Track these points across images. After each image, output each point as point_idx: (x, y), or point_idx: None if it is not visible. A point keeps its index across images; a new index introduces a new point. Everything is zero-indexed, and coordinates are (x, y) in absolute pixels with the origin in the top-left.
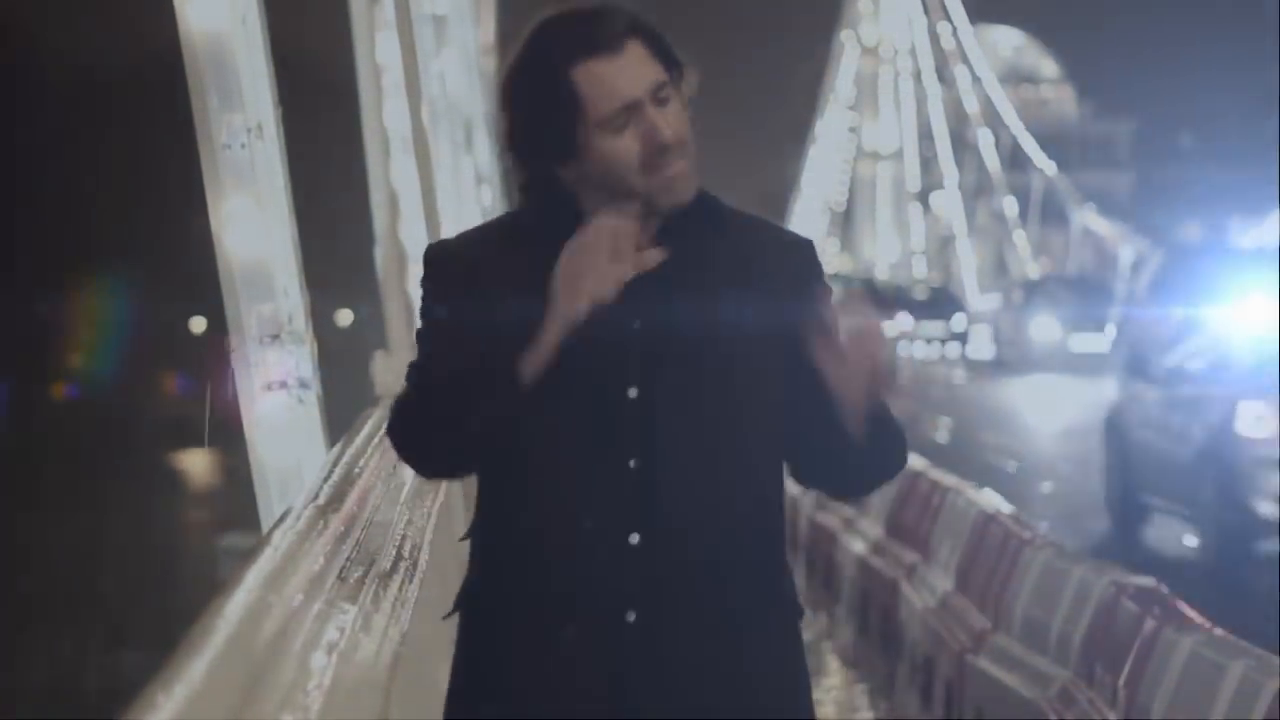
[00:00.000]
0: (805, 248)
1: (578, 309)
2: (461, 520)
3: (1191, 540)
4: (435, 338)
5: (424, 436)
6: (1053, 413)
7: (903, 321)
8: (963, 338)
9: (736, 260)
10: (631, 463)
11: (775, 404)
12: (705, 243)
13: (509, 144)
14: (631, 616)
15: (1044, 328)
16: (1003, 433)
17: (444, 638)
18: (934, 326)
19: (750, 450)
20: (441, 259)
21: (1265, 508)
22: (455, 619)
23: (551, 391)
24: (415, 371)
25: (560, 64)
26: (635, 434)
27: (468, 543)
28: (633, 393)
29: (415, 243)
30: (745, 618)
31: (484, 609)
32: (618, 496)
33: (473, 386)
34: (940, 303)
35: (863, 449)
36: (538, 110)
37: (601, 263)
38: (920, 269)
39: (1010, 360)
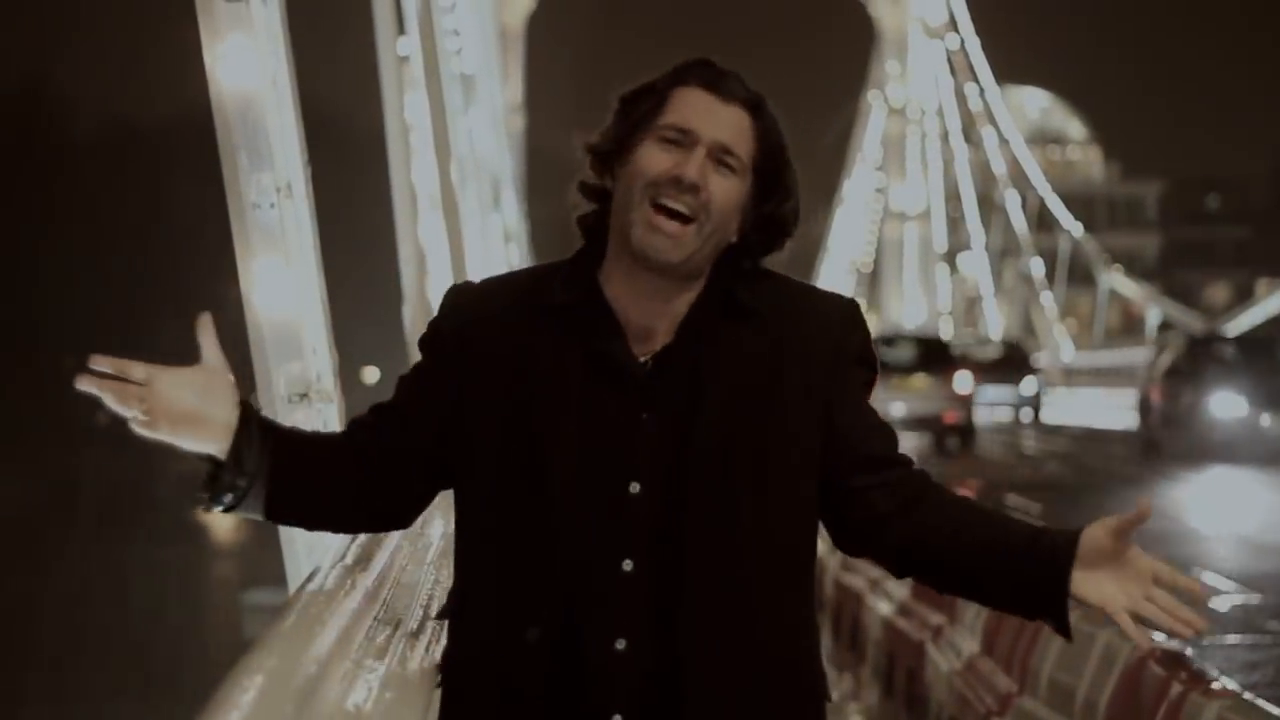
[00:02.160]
0: (844, 318)
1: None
2: None
3: None
4: (394, 398)
5: None
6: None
7: (963, 384)
8: (1034, 403)
9: (762, 350)
10: (626, 564)
11: (803, 494)
12: (728, 334)
13: (597, 137)
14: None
15: (1226, 403)
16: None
17: None
18: (1001, 391)
19: (767, 547)
20: (447, 321)
21: None
22: None
23: (542, 481)
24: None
25: (672, 81)
26: (634, 533)
27: None
28: (635, 488)
29: None
30: (751, 717)
31: (460, 696)
32: (607, 600)
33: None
34: (1010, 364)
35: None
36: (630, 103)
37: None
38: (947, 332)
39: (1166, 442)
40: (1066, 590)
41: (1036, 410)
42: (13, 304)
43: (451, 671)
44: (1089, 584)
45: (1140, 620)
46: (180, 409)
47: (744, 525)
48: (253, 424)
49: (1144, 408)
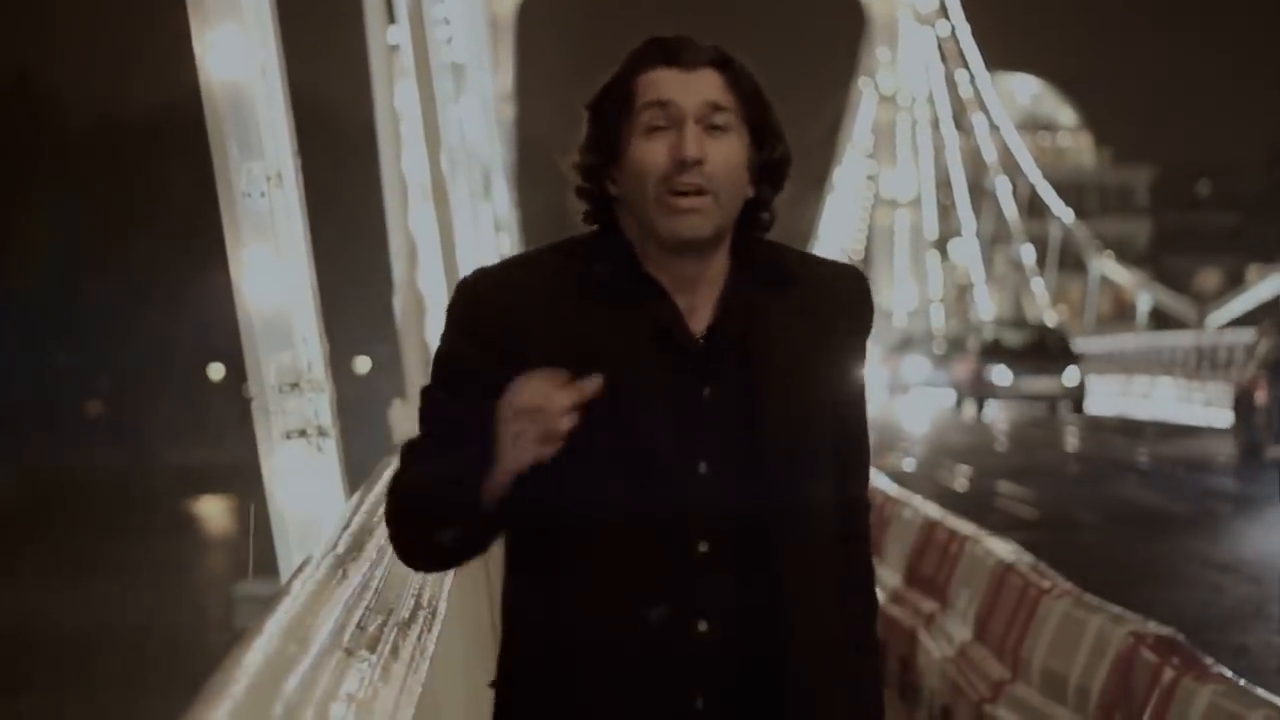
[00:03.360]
0: (861, 289)
1: (511, 471)
2: (481, 569)
3: None
4: (433, 416)
5: (400, 539)
6: None
7: (1000, 377)
8: (1077, 395)
9: (799, 319)
10: (702, 546)
11: (835, 458)
12: (767, 304)
13: (580, 154)
14: (700, 703)
15: None
16: None
17: (463, 687)
18: (1038, 383)
19: (827, 517)
20: (484, 309)
21: None
22: (479, 672)
23: (615, 464)
24: (402, 459)
25: (632, 71)
26: (707, 514)
27: (489, 595)
28: (703, 468)
29: (434, 290)
30: (828, 691)
31: (527, 689)
32: (686, 583)
33: (434, 509)
34: (1047, 351)
35: None
36: (599, 108)
37: (526, 432)
38: (938, 318)
39: (1272, 447)
40: None
41: (1079, 403)
42: (1, 296)
43: (519, 662)
44: None
45: None
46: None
47: (813, 497)
48: None
49: (1243, 406)
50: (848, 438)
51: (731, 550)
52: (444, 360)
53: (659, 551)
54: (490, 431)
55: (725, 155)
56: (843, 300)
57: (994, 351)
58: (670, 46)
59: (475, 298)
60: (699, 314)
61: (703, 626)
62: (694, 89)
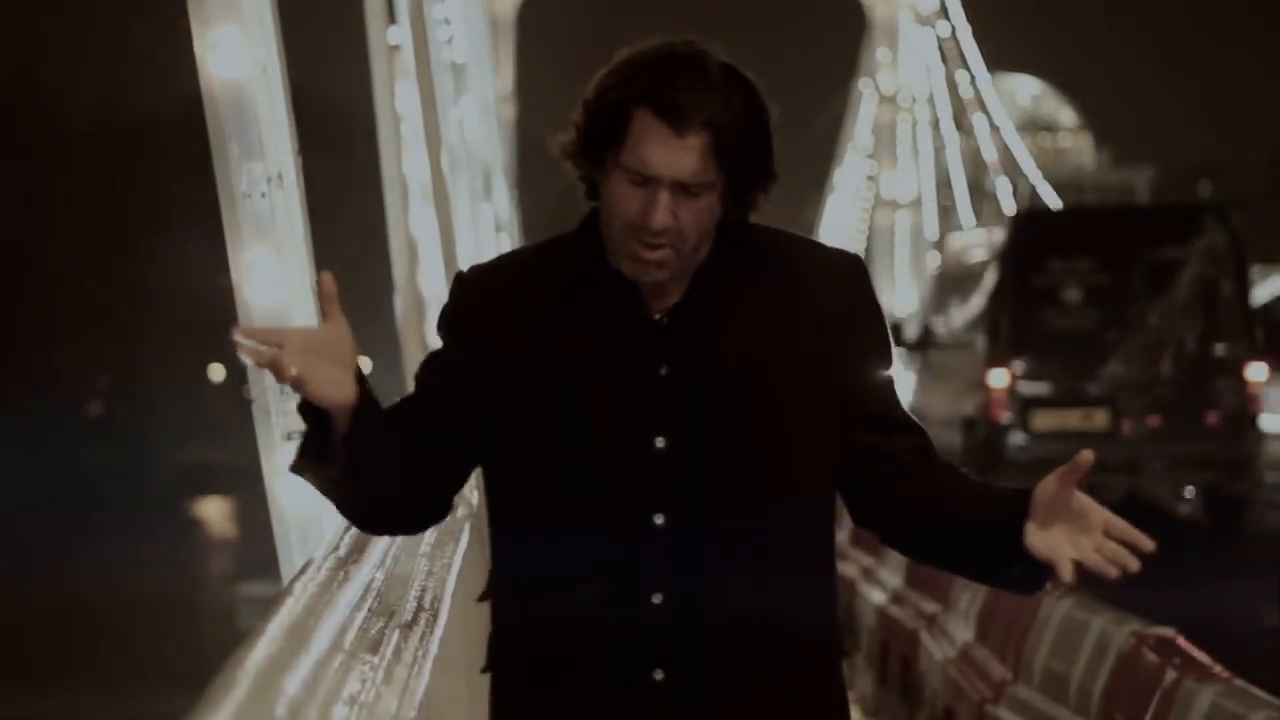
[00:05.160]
0: (851, 271)
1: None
2: (482, 571)
3: None
4: (422, 385)
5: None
6: None
7: None
8: None
9: (773, 299)
10: (657, 519)
11: (821, 444)
12: (739, 284)
13: (576, 134)
14: (659, 675)
15: None
16: None
17: (465, 689)
18: None
19: (789, 498)
20: (466, 302)
21: None
22: (478, 669)
23: (572, 440)
24: None
25: (635, 95)
26: (663, 487)
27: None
28: (660, 443)
29: (434, 291)
30: (777, 669)
31: (508, 668)
32: (641, 555)
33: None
34: None
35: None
36: (595, 112)
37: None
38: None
39: None
40: (1021, 543)
41: None
42: (3, 296)
43: (501, 649)
44: (1041, 537)
45: (1085, 569)
46: (310, 362)
47: (765, 475)
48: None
49: None
50: (870, 423)
51: (687, 523)
52: (433, 350)
53: (612, 525)
54: (443, 411)
55: (694, 214)
56: (831, 282)
57: None
58: (674, 95)
59: (463, 289)
60: (668, 294)
61: (657, 599)
62: (675, 163)
